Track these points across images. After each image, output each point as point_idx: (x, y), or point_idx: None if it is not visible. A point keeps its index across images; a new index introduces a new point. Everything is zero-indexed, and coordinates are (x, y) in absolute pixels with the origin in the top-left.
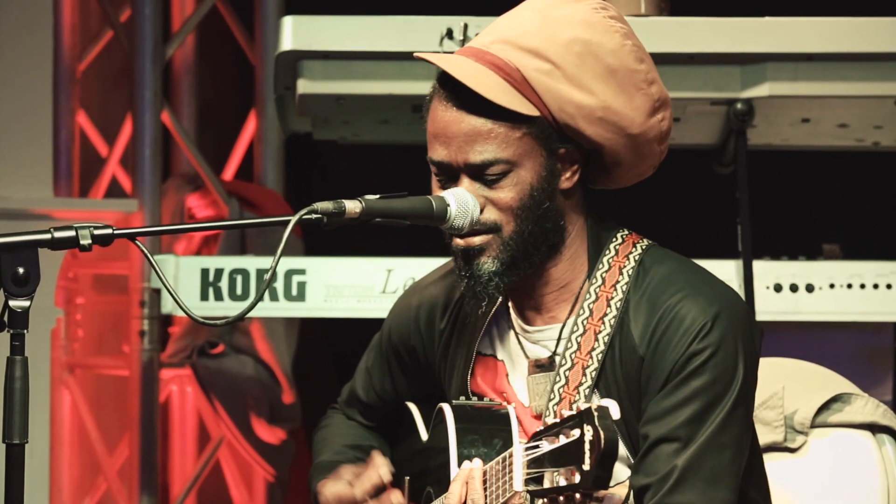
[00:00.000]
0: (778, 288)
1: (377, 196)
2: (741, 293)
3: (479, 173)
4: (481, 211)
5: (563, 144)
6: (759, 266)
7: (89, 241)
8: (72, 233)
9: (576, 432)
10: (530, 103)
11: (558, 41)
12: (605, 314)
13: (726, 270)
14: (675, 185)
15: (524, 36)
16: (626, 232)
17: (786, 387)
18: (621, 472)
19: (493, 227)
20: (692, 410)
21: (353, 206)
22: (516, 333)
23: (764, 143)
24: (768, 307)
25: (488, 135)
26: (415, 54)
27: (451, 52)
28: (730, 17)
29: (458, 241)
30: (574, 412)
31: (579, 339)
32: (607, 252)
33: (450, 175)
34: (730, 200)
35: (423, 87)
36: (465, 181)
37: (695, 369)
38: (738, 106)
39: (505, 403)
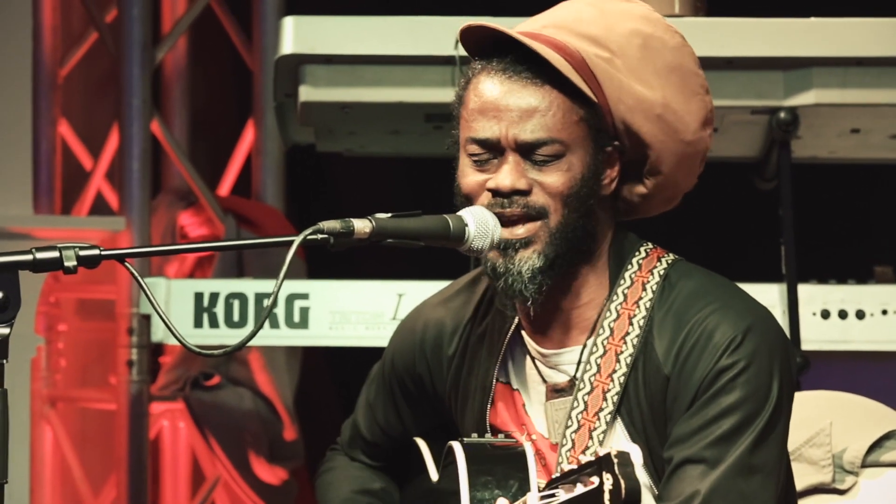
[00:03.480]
0: (825, 314)
1: (388, 214)
2: (785, 319)
3: (529, 152)
4: (529, 193)
5: (610, 142)
6: (804, 290)
7: (74, 263)
8: (55, 254)
9: (594, 480)
10: (590, 89)
11: (619, 31)
12: (627, 333)
13: (769, 295)
14: (712, 201)
15: (581, 23)
16: (651, 246)
17: (834, 423)
18: None
19: (541, 211)
20: (721, 430)
21: (362, 225)
22: (532, 359)
23: (809, 155)
24: (815, 335)
25: (546, 112)
26: (465, 25)
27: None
28: (772, 18)
29: (501, 234)
30: (592, 458)
31: (599, 360)
32: (629, 267)
33: (495, 153)
34: (772, 218)
35: (437, 95)
36: (512, 160)
37: (724, 385)
38: (782, 115)
39: (522, 440)
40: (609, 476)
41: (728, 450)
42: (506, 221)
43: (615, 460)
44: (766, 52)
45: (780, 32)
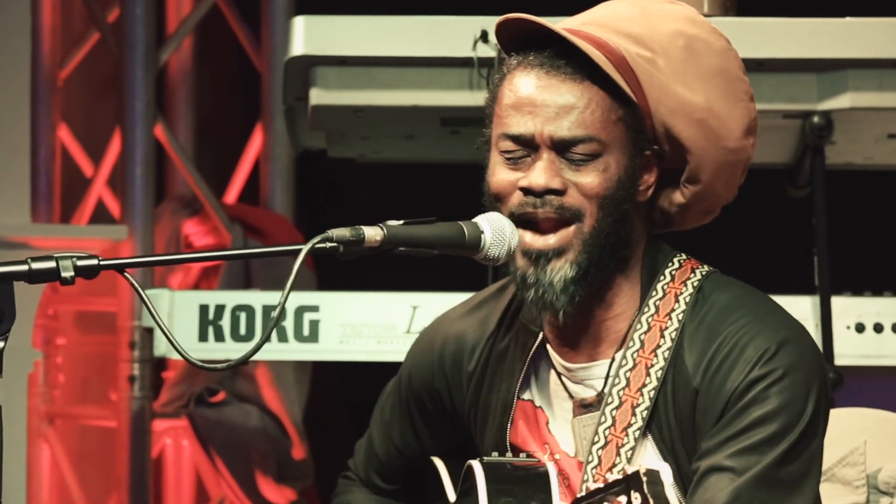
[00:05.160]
0: (860, 328)
1: (401, 222)
2: (818, 333)
3: (565, 150)
4: (563, 193)
5: (649, 146)
6: (838, 303)
7: (72, 274)
8: (52, 264)
9: (622, 500)
10: (630, 88)
11: (662, 31)
12: (659, 346)
13: (801, 308)
14: (742, 210)
15: (622, 21)
16: (684, 257)
17: (868, 441)
18: None
19: (576, 214)
20: (750, 441)
21: (373, 233)
22: (558, 374)
23: (844, 161)
24: (849, 349)
25: (584, 109)
26: (500, 19)
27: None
28: (805, 18)
29: (532, 241)
30: (620, 476)
31: (628, 374)
32: (662, 278)
33: (528, 150)
34: (805, 227)
35: (454, 98)
36: (546, 158)
37: (756, 395)
38: (815, 119)
39: (545, 460)
40: (637, 495)
41: (756, 460)
42: (536, 226)
43: (644, 479)
44: (799, 54)
45: (814, 33)
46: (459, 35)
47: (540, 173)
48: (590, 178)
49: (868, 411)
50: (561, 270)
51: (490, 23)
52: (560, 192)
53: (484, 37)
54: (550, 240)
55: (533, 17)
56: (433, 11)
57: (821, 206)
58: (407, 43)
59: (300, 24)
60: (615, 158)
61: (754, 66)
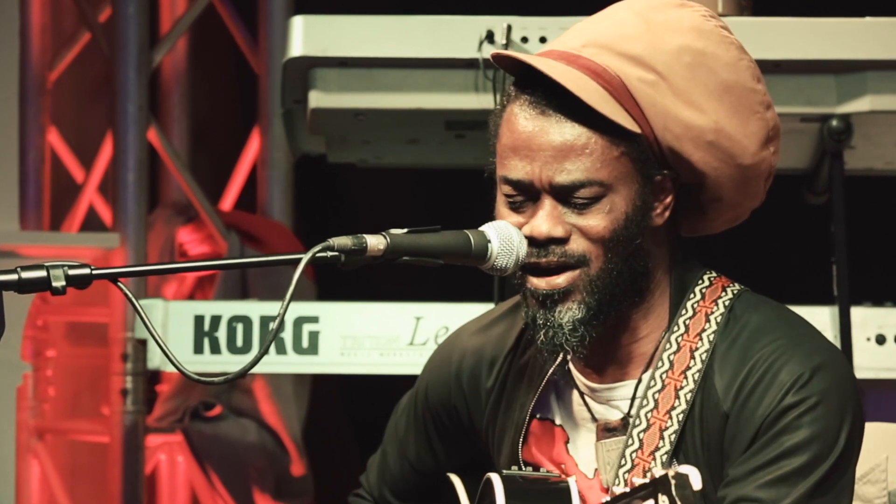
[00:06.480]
0: (881, 339)
1: (404, 230)
2: (837, 345)
3: (566, 196)
4: (567, 241)
5: (659, 171)
6: (858, 313)
7: (63, 283)
8: (42, 273)
9: (649, 503)
10: (631, 118)
11: (665, 48)
12: (689, 367)
13: (819, 319)
14: (758, 218)
15: (624, 41)
16: (714, 274)
17: (890, 457)
18: None
19: (581, 259)
20: (781, 471)
21: (375, 241)
22: (581, 394)
23: (864, 166)
24: (869, 362)
25: (582, 151)
26: (492, 53)
27: (530, 54)
28: (823, 18)
29: (538, 283)
30: (647, 480)
31: (657, 395)
32: (692, 296)
33: (530, 196)
34: (823, 235)
35: (459, 101)
36: (548, 204)
37: (788, 424)
38: (834, 123)
39: (564, 475)
40: (665, 499)
41: (787, 492)
42: (542, 271)
43: (672, 482)
44: (817, 55)
45: (832, 33)
46: (464, 35)
47: (542, 221)
48: (594, 222)
49: (890, 426)
50: (570, 311)
51: (496, 22)
52: (563, 241)
53: (490, 37)
54: (557, 279)
55: (523, 57)
56: (437, 11)
57: (840, 214)
58: (410, 44)
59: (299, 23)
60: (621, 196)
61: (770, 68)
